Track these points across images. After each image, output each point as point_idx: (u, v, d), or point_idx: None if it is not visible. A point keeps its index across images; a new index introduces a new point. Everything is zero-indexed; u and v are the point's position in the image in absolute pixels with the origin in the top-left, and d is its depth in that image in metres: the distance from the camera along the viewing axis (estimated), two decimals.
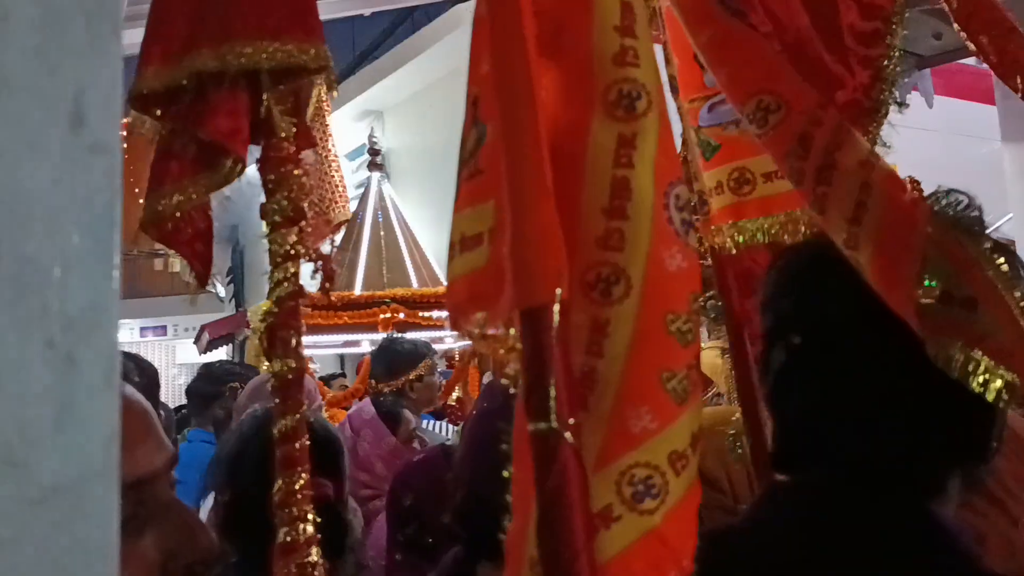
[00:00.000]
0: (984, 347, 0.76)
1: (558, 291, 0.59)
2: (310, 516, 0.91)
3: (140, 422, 0.76)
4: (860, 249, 0.85)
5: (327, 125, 5.11)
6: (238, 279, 10.23)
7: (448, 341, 5.50)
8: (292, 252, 0.95)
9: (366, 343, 6.49)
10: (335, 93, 0.99)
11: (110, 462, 0.47)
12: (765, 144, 1.02)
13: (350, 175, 12.26)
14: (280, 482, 0.91)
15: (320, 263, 1.01)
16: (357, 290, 6.81)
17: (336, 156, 5.11)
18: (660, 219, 0.70)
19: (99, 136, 0.48)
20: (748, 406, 1.24)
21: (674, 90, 1.36)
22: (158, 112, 0.95)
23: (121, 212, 0.50)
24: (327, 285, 1.00)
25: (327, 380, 6.82)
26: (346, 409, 5.47)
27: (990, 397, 0.76)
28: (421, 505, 2.04)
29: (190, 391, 3.98)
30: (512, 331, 0.60)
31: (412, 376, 3.22)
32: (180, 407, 4.86)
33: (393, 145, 8.30)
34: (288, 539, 0.89)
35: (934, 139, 9.25)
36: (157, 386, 2.40)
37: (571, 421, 0.58)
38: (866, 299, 0.83)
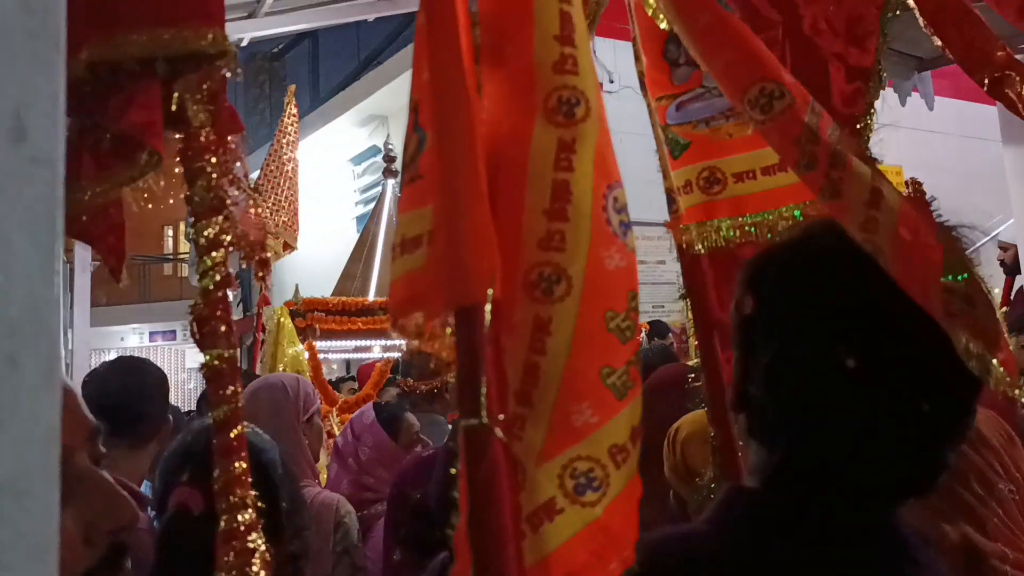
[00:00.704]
0: (984, 340, 0.79)
1: (489, 292, 0.61)
2: (249, 502, 0.92)
3: (66, 400, 0.79)
4: (880, 232, 0.85)
5: (296, 134, 5.21)
6: (245, 283, 10.27)
7: None
8: (217, 241, 0.94)
9: (377, 348, 6.52)
10: (239, 75, 0.95)
11: (51, 460, 0.48)
12: (768, 131, 1.02)
13: (355, 179, 12.34)
14: (217, 471, 0.91)
15: (250, 253, 1.00)
16: (371, 296, 6.85)
17: (296, 169, 5.18)
18: (599, 220, 0.73)
19: (41, 149, 0.50)
20: (718, 406, 1.25)
21: (643, 87, 1.38)
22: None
23: (63, 222, 0.52)
24: (260, 274, 1.00)
25: (336, 384, 6.86)
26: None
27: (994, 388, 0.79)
28: (424, 503, 2.03)
29: (203, 396, 4.02)
30: (448, 330, 0.63)
31: (449, 377, 3.23)
32: (189, 412, 4.91)
33: (397, 149, 8.33)
34: (230, 526, 0.90)
35: (939, 141, 9.22)
36: (166, 391, 2.40)
37: (501, 417, 0.60)
38: (859, 300, 0.83)
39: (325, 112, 12.19)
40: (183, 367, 16.34)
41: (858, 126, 1.24)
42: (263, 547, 0.91)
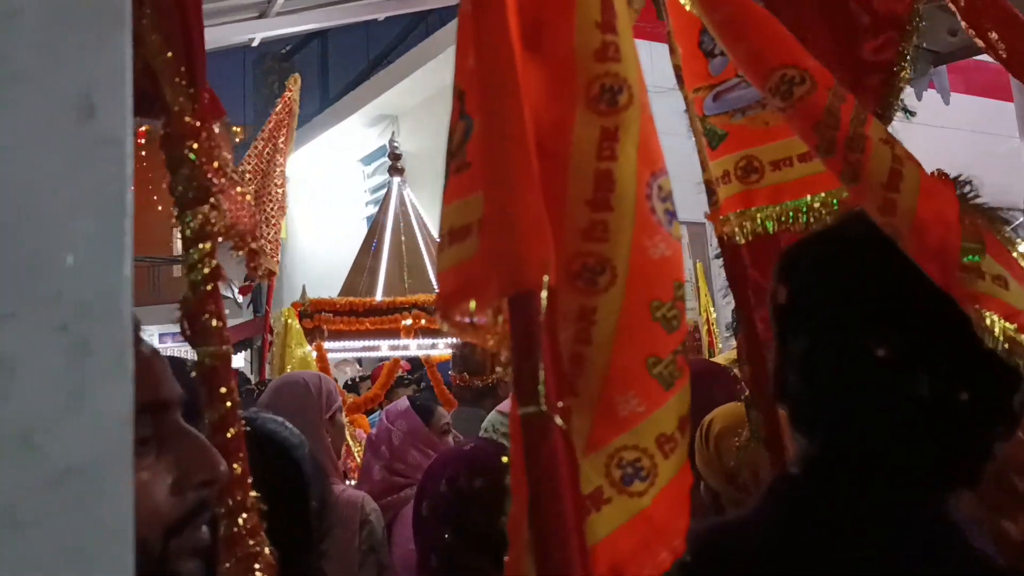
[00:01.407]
0: (1018, 322, 0.77)
1: (545, 277, 0.60)
2: (250, 504, 0.88)
3: (159, 361, 0.80)
4: (898, 215, 0.84)
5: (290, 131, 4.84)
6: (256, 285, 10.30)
7: None
8: (203, 232, 0.89)
9: (385, 347, 6.52)
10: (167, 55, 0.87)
11: (124, 444, 0.47)
12: (790, 117, 1.01)
13: (365, 179, 12.33)
14: None
15: (239, 243, 0.96)
16: (378, 296, 6.83)
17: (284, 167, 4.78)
18: (643, 210, 0.72)
19: (108, 127, 0.50)
20: (764, 398, 1.23)
21: (679, 79, 1.37)
22: None
23: (132, 200, 0.52)
24: (252, 266, 0.95)
25: (355, 386, 6.85)
26: (367, 414, 5.50)
27: None
28: (485, 492, 1.91)
29: None
30: (500, 319, 0.62)
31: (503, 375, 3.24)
32: None
33: (407, 149, 8.30)
34: (230, 531, 0.87)
35: (954, 136, 9.17)
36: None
37: (560, 404, 0.60)
38: (893, 288, 0.83)
39: (335, 112, 12.20)
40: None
41: (894, 70, 1.22)
42: (266, 551, 0.88)
